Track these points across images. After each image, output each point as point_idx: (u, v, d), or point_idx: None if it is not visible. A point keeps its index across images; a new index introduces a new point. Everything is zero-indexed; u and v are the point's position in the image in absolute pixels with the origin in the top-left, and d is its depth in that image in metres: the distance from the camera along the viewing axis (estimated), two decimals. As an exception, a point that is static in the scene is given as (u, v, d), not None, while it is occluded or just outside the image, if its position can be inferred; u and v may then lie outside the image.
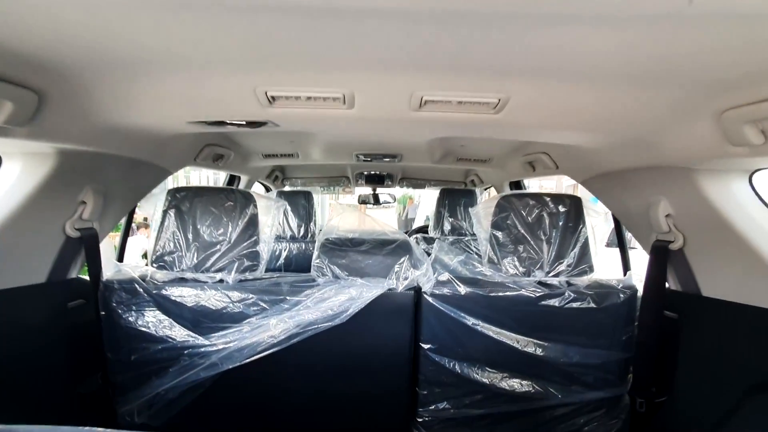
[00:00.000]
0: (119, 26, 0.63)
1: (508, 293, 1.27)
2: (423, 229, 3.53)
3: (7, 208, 1.02)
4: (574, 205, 1.35)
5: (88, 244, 1.25)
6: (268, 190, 3.32)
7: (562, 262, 1.31)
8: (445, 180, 3.48)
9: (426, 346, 1.28)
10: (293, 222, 2.67)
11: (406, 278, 1.26)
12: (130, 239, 2.09)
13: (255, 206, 1.32)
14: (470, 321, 1.26)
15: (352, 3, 0.54)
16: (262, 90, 0.90)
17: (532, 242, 1.32)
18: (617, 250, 1.87)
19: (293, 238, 2.66)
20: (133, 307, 1.21)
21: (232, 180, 2.79)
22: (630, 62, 0.71)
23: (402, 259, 1.28)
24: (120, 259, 1.70)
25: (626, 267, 1.76)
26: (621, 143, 1.18)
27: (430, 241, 2.65)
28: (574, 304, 1.27)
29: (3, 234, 1.02)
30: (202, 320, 1.21)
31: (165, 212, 1.28)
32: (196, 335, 1.20)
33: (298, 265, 2.56)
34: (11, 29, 0.63)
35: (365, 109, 1.02)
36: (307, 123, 1.26)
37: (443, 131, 1.35)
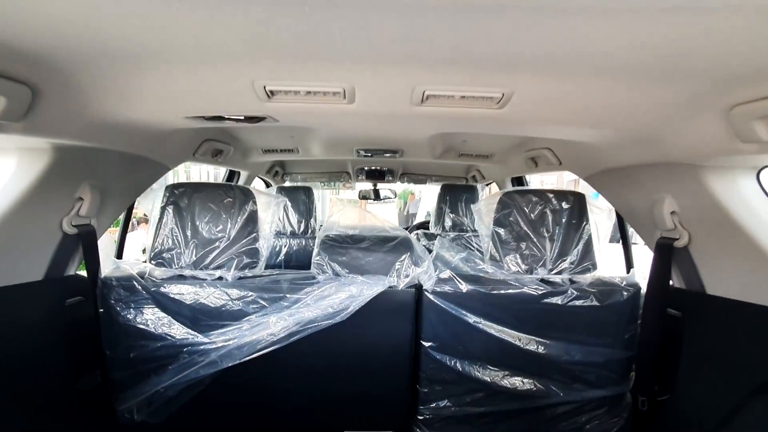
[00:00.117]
0: (113, 18, 0.61)
1: (510, 291, 1.25)
2: (424, 225, 3.52)
3: (2, 205, 1.01)
4: (578, 201, 1.33)
5: (85, 241, 1.23)
6: (268, 185, 3.30)
7: (565, 260, 1.30)
8: (447, 175, 3.46)
9: (427, 344, 1.27)
10: (293, 218, 2.65)
11: (407, 276, 1.25)
12: (130, 234, 2.08)
13: (254, 202, 1.30)
14: (472, 319, 1.25)
15: None
16: (260, 84, 0.88)
17: (534, 239, 1.31)
18: (618, 245, 1.85)
19: (293, 234, 2.64)
20: (132, 305, 1.20)
21: (232, 175, 2.77)
22: (640, 55, 0.69)
23: (403, 257, 1.27)
24: (119, 255, 1.69)
25: (629, 264, 1.74)
26: (627, 139, 1.16)
27: (431, 237, 2.64)
28: (577, 302, 1.25)
29: None
30: (201, 318, 1.21)
31: (163, 208, 1.27)
32: (196, 333, 1.19)
33: (299, 261, 2.55)
34: (3, 22, 0.61)
35: (366, 104, 1.00)
36: (306, 118, 1.24)
37: (445, 127, 1.33)
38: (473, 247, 2.55)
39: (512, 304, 1.25)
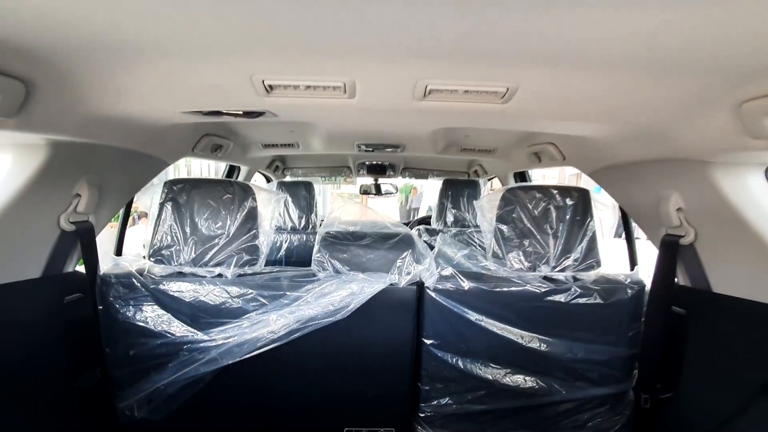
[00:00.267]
0: (107, 11, 0.59)
1: (512, 288, 1.24)
2: (425, 220, 3.50)
3: None
4: (582, 198, 1.31)
5: (83, 238, 1.22)
6: (268, 180, 3.29)
7: (568, 257, 1.28)
8: (448, 170, 3.44)
9: (428, 342, 1.26)
10: (294, 213, 2.64)
11: (408, 273, 1.24)
12: (131, 229, 2.07)
13: (254, 199, 1.29)
14: (474, 316, 1.24)
15: None
16: (258, 78, 0.86)
17: (538, 236, 1.29)
18: (620, 239, 1.83)
19: (294, 230, 2.63)
20: (131, 302, 1.19)
21: (232, 170, 2.75)
22: (649, 48, 0.66)
23: (404, 254, 1.26)
24: (118, 252, 1.68)
25: (633, 261, 1.72)
26: (633, 135, 1.13)
27: (432, 232, 2.62)
28: (581, 300, 1.24)
29: None
30: (200, 315, 1.20)
31: (162, 205, 1.26)
32: (195, 330, 1.18)
33: (299, 256, 2.54)
34: None
35: (367, 99, 0.98)
36: (306, 113, 1.22)
37: (448, 121, 1.31)
38: (475, 243, 2.53)
39: (515, 302, 1.24)
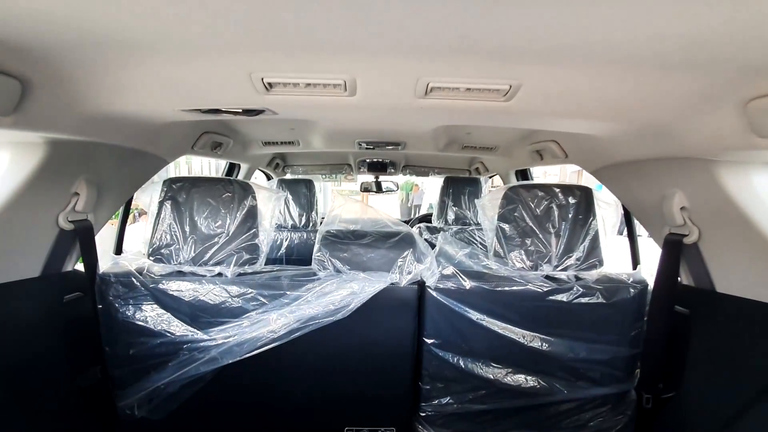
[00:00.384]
0: (104, 8, 0.58)
1: (514, 288, 1.23)
2: (426, 218, 3.49)
3: None
4: (585, 196, 1.30)
5: (82, 237, 1.22)
6: (269, 178, 3.28)
7: (571, 256, 1.27)
8: (449, 168, 3.42)
9: (429, 341, 1.25)
10: (294, 211, 2.63)
11: (409, 272, 1.23)
12: (132, 226, 2.06)
13: (254, 197, 1.28)
14: (475, 316, 1.23)
15: None
16: (258, 76, 0.85)
17: (540, 235, 1.28)
18: (621, 237, 1.81)
19: (294, 228, 2.62)
20: (131, 301, 1.19)
21: (232, 168, 2.74)
22: (656, 45, 0.65)
23: (405, 253, 1.25)
24: (118, 251, 1.67)
25: (636, 260, 1.71)
26: (637, 133, 1.12)
27: (433, 230, 2.61)
28: (583, 299, 1.23)
29: None
30: (200, 315, 1.19)
31: (161, 203, 1.25)
32: (195, 330, 1.18)
33: (300, 254, 2.53)
34: None
35: (368, 97, 0.97)
36: (306, 111, 1.21)
37: (450, 119, 1.30)
38: (476, 240, 2.52)
39: (516, 301, 1.23)
